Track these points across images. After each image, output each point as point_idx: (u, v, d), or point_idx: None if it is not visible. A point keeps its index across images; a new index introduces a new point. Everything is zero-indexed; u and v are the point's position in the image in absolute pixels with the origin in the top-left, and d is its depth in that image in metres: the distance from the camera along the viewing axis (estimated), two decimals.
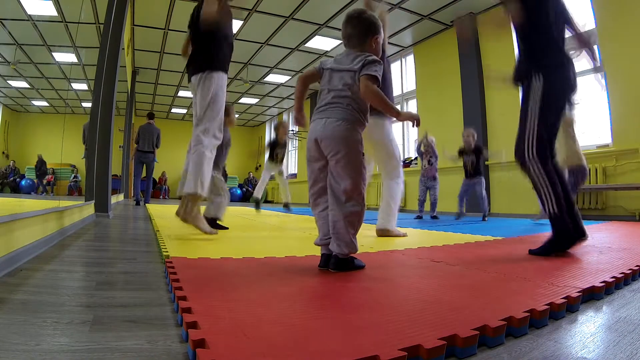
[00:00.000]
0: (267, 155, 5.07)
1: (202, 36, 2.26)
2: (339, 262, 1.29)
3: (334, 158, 1.29)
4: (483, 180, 4.70)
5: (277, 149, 4.98)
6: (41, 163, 3.34)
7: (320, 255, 1.40)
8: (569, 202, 1.78)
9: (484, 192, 4.66)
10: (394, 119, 1.58)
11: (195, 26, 2.28)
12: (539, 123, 1.71)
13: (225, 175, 3.12)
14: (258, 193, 5.04)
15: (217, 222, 2.94)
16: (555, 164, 1.81)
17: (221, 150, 2.88)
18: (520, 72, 1.83)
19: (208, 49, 2.27)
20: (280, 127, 5.10)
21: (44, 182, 4.33)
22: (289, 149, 13.06)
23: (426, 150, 4.99)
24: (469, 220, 4.57)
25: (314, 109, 1.41)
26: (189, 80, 2.35)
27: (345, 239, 1.28)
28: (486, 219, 4.58)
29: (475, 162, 4.67)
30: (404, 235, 2.54)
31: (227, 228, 2.95)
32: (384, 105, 1.32)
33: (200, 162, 2.21)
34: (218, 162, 2.95)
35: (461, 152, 4.78)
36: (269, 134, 14.88)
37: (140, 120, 12.82)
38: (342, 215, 1.28)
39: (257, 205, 4.99)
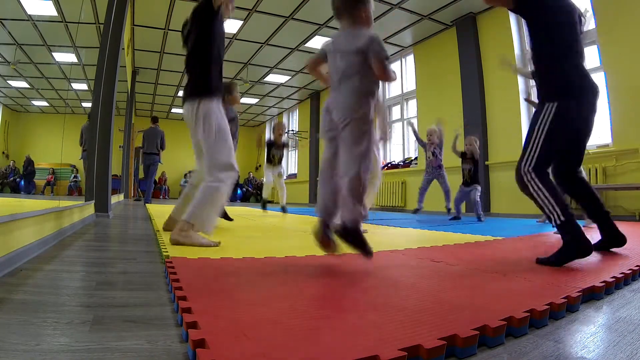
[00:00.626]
0: (265, 157, 5.10)
1: (197, 56, 2.05)
2: (345, 230, 1.36)
3: (343, 126, 1.40)
4: (479, 188, 4.63)
5: (273, 150, 4.98)
6: (28, 163, 3.34)
7: (318, 255, 1.41)
8: (601, 211, 1.78)
9: (477, 197, 4.58)
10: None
11: (193, 37, 2.06)
12: (543, 143, 1.65)
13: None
14: (265, 194, 5.10)
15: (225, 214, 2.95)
16: (580, 180, 1.80)
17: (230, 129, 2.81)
18: (538, 93, 1.76)
19: (204, 72, 2.03)
20: (277, 128, 5.11)
21: (45, 182, 4.33)
22: (289, 149, 13.07)
23: (430, 142, 4.82)
24: (468, 220, 4.55)
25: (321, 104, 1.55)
26: (183, 105, 2.12)
27: (348, 206, 1.36)
28: (482, 219, 4.52)
29: (472, 170, 4.60)
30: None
31: (232, 219, 2.93)
32: (391, 80, 1.45)
33: (214, 198, 1.94)
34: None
35: (462, 155, 4.69)
36: (269, 135, 14.89)
37: (140, 120, 12.86)
38: (347, 183, 1.38)
39: (264, 206, 5.05)
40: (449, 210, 4.89)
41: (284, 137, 5.12)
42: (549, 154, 1.67)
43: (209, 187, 1.95)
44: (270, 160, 4.98)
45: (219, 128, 2.01)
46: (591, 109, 1.70)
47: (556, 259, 1.52)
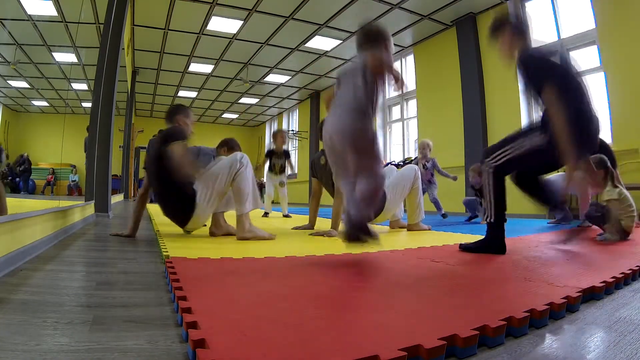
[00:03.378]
0: (266, 166, 4.99)
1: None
2: (353, 226, 1.38)
3: (348, 147, 1.42)
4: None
5: (274, 159, 4.84)
6: (22, 161, 3.35)
7: (318, 255, 1.42)
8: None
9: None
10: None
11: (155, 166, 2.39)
12: (517, 155, 1.74)
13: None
14: (267, 208, 4.92)
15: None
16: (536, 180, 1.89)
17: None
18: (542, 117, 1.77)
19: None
20: (278, 136, 4.94)
21: (45, 182, 4.34)
22: (289, 149, 13.07)
23: (423, 157, 4.98)
24: (461, 220, 4.52)
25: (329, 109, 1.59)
26: None
27: (358, 206, 1.40)
28: (446, 216, 4.79)
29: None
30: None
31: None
32: (390, 70, 1.46)
33: (241, 183, 2.26)
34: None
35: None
36: (269, 135, 14.85)
37: (140, 120, 12.88)
38: (360, 191, 1.42)
39: (266, 215, 4.92)
40: (443, 216, 4.92)
41: (285, 146, 4.99)
42: (515, 166, 1.80)
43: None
44: (271, 169, 4.90)
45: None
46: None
47: (475, 247, 1.81)
